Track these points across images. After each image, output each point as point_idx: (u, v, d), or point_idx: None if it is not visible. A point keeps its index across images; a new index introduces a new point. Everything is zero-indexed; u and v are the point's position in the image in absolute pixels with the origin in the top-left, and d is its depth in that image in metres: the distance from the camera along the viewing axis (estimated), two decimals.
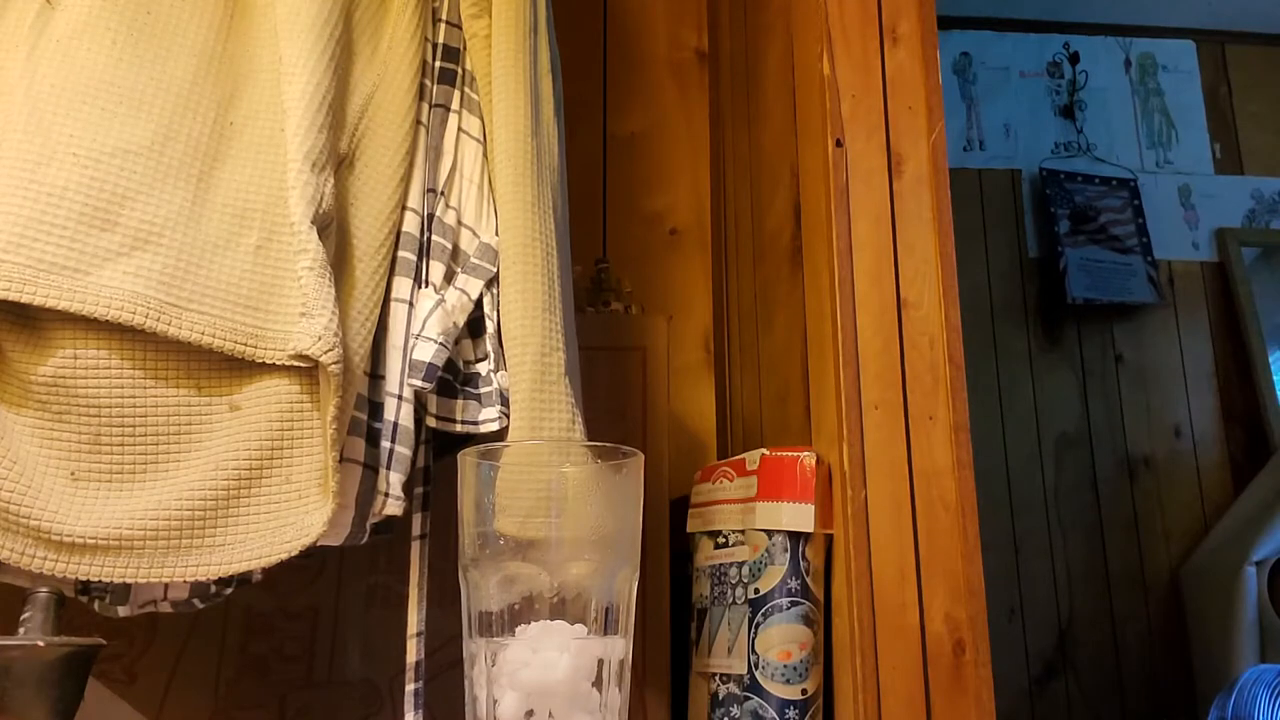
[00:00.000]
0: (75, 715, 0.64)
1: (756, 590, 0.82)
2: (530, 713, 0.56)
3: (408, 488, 0.73)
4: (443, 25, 0.85)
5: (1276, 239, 2.32)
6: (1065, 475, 2.10)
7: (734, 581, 0.86)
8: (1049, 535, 2.06)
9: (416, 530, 0.78)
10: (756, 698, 0.79)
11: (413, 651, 0.76)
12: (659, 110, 1.31)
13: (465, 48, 0.85)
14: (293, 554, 0.65)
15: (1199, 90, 2.38)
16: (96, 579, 0.62)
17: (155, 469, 0.65)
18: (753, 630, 0.81)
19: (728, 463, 0.91)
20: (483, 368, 0.77)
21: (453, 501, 0.62)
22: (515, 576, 0.58)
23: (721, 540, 0.90)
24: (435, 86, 0.83)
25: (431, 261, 0.77)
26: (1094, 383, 2.16)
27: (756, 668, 0.80)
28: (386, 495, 0.70)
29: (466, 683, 0.59)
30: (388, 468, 0.70)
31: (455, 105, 0.83)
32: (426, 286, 0.76)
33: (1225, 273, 2.25)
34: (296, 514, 0.65)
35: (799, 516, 0.81)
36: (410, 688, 0.75)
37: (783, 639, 0.80)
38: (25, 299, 0.61)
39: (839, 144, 0.86)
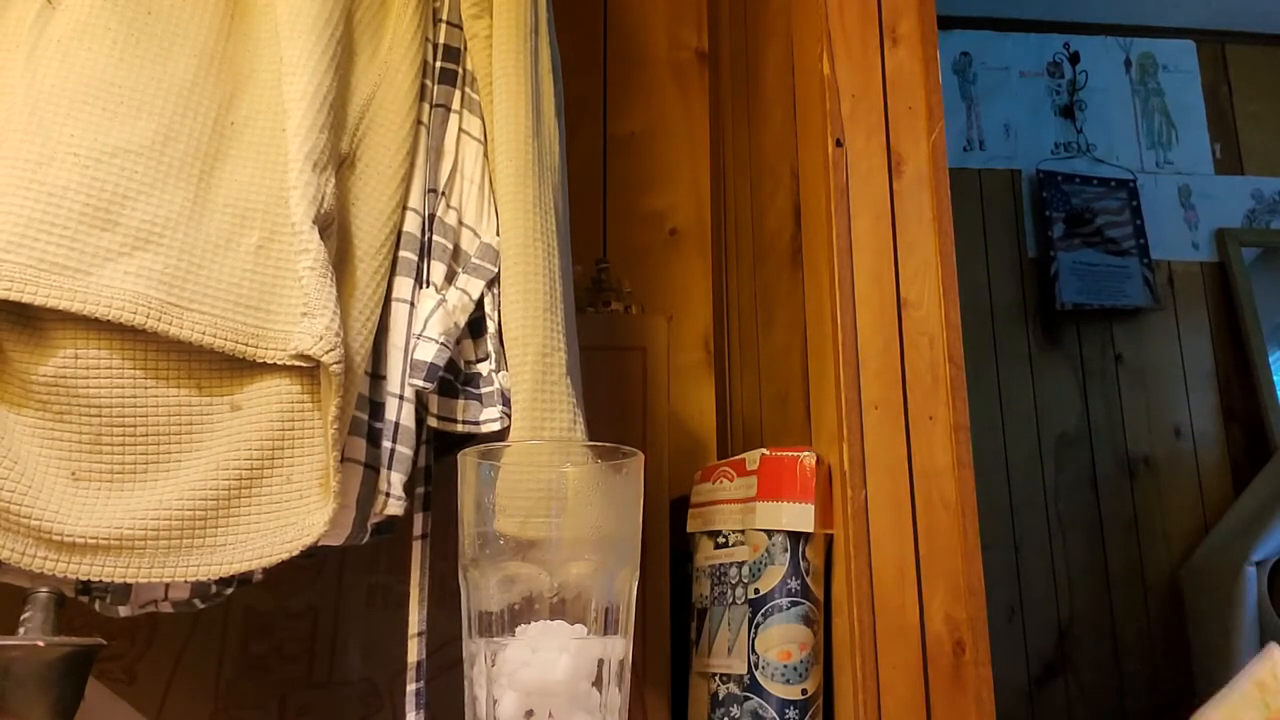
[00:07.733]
0: (75, 715, 0.64)
1: (756, 590, 0.82)
2: (530, 713, 0.56)
3: (408, 487, 0.73)
4: (443, 25, 0.85)
5: (1276, 239, 2.32)
6: (1065, 475, 2.10)
7: (734, 581, 0.86)
8: (1049, 535, 2.06)
9: (417, 530, 0.79)
10: (756, 698, 0.80)
11: (413, 651, 0.76)
12: (659, 110, 1.31)
13: (466, 48, 0.85)
14: (294, 554, 0.65)
15: (1199, 90, 2.38)
16: (97, 579, 0.62)
17: (156, 469, 0.65)
18: (753, 630, 0.81)
19: (728, 463, 0.92)
20: (484, 368, 0.77)
21: (453, 501, 0.62)
22: (515, 576, 0.58)
23: (721, 540, 0.90)
24: (436, 87, 0.83)
25: (432, 261, 0.77)
26: (1094, 383, 2.16)
27: (756, 668, 0.80)
28: (388, 495, 0.70)
29: (466, 683, 0.59)
30: (389, 468, 0.70)
31: (456, 105, 0.83)
32: (427, 286, 0.76)
33: (1225, 273, 2.25)
34: (298, 514, 0.65)
35: (799, 516, 0.81)
36: (411, 688, 0.75)
37: (783, 639, 0.80)
38: (26, 299, 0.61)
39: (839, 144, 0.86)
